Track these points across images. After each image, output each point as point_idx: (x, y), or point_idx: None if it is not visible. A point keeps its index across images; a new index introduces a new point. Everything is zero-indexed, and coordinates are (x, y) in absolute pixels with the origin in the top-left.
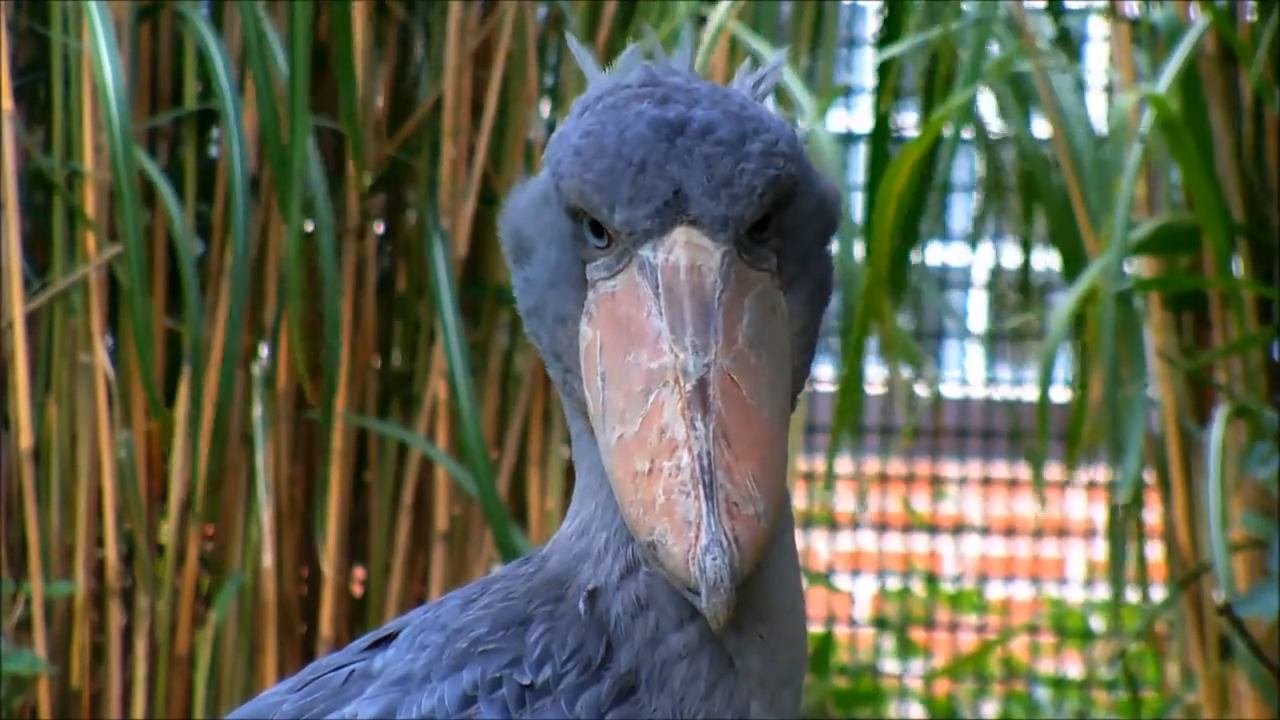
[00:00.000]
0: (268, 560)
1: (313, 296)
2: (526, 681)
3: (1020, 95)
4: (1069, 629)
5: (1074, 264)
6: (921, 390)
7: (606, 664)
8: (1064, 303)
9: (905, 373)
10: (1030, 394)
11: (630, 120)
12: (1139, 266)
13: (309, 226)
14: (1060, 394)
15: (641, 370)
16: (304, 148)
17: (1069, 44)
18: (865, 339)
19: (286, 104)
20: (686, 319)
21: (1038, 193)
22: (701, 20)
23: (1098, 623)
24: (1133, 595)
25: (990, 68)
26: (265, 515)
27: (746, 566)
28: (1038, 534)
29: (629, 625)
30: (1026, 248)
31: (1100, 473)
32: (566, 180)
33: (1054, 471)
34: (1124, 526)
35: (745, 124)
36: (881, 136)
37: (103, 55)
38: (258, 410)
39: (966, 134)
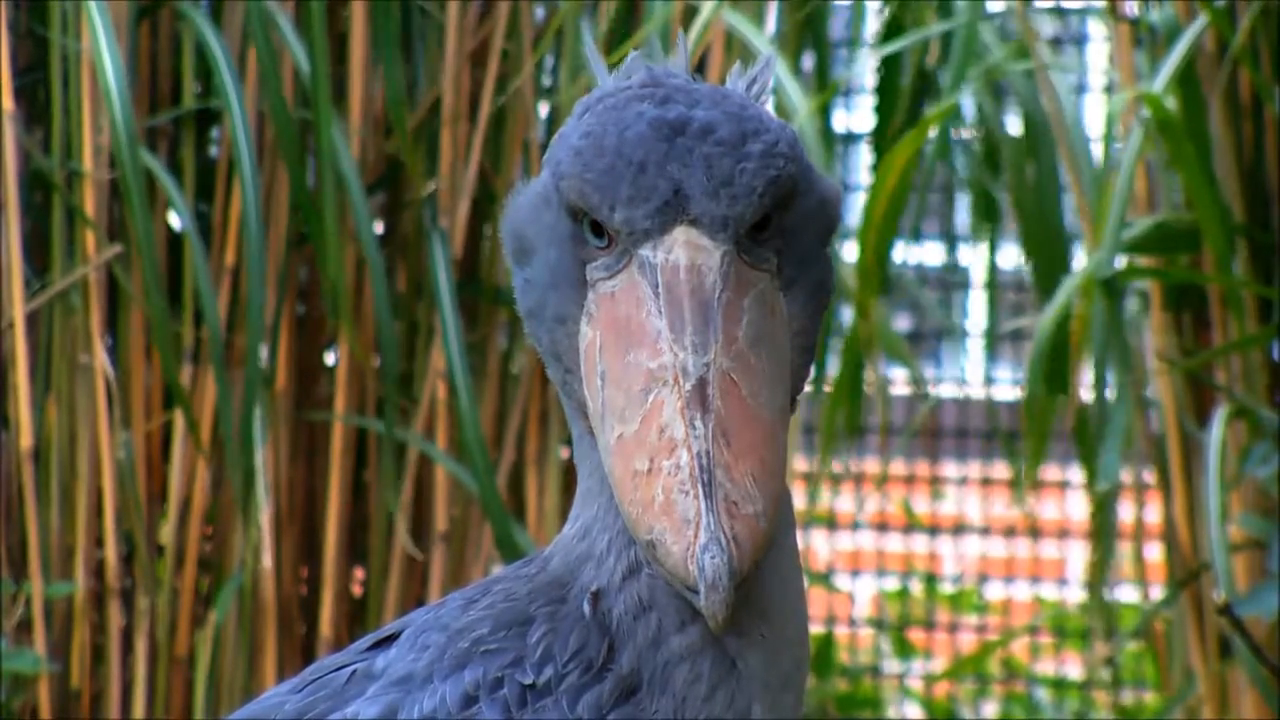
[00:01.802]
0: (266, 560)
1: (309, 298)
2: (528, 681)
3: (997, 97)
4: (1068, 630)
5: (1049, 272)
6: (905, 390)
7: (608, 665)
8: (1055, 301)
9: (888, 373)
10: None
11: (630, 120)
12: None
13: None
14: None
15: (641, 370)
16: (330, 141)
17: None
18: (863, 339)
19: (287, 100)
20: (686, 318)
21: (1019, 198)
22: (693, 14)
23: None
24: (1133, 595)
25: (992, 68)
26: (263, 515)
27: (745, 565)
28: (1037, 534)
29: (631, 626)
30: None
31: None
32: (566, 180)
33: (1053, 472)
34: (1105, 524)
35: (745, 124)
36: (883, 136)
37: (104, 55)
38: (256, 410)
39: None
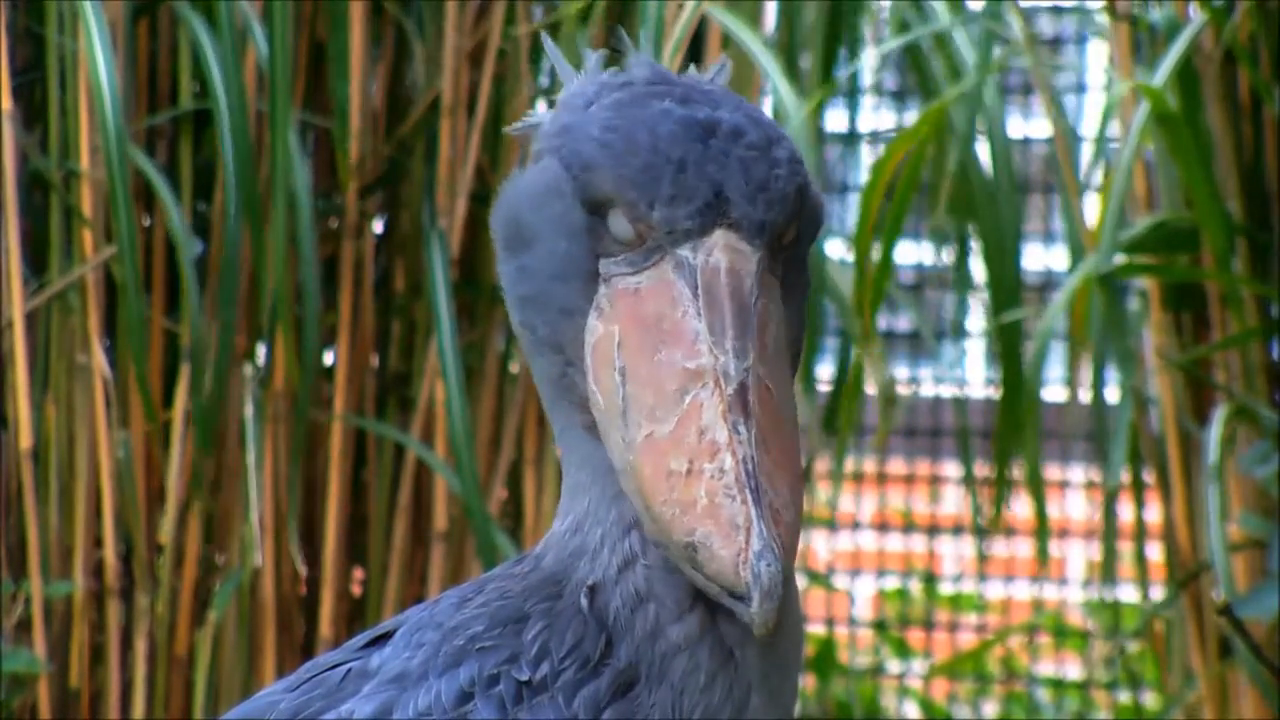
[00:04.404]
0: (257, 559)
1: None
2: (524, 678)
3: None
4: (1068, 630)
5: (1002, 289)
6: (901, 390)
7: (605, 659)
8: (1057, 300)
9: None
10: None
11: (656, 117)
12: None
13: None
14: (1056, 393)
15: (676, 369)
16: (286, 144)
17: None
18: (865, 338)
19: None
20: (727, 322)
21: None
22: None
23: (1095, 623)
24: (1132, 595)
25: (991, 64)
26: (254, 515)
27: (789, 573)
28: (1037, 534)
29: (629, 619)
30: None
31: (1098, 473)
32: (595, 173)
33: (1053, 472)
34: (1110, 524)
35: (768, 130)
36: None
37: (97, 55)
38: (249, 410)
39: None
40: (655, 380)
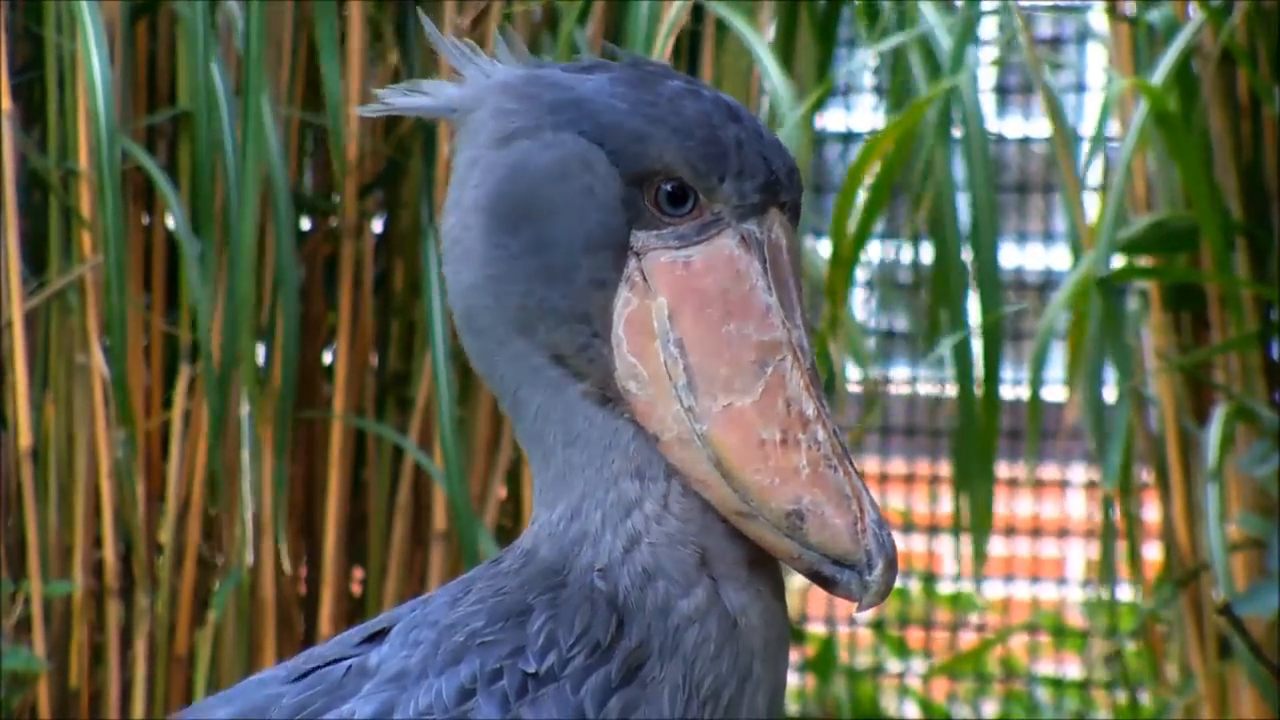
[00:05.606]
0: (250, 557)
1: (308, 297)
2: (531, 670)
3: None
4: (1067, 629)
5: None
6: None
7: (616, 641)
8: (1057, 300)
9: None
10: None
11: (684, 95)
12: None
13: (306, 224)
14: (1056, 393)
15: (750, 342)
16: (262, 142)
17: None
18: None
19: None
20: (793, 298)
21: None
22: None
23: (1094, 623)
24: (1131, 594)
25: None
26: (249, 514)
27: None
28: (1037, 534)
29: (639, 597)
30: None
31: (1098, 473)
32: (652, 146)
33: (1053, 471)
34: (1109, 524)
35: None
36: None
37: (92, 54)
38: (245, 409)
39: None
40: (728, 351)
